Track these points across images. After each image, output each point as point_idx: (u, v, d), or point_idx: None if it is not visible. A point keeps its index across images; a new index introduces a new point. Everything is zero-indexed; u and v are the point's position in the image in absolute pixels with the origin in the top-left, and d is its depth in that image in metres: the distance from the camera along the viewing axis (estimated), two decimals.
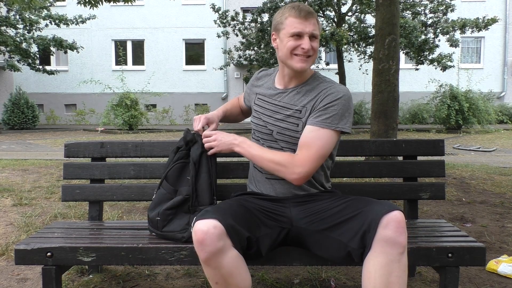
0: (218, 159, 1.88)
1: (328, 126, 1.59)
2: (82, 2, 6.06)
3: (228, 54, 13.98)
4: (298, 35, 1.63)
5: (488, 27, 11.88)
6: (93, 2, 6.08)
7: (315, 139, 1.58)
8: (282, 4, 11.82)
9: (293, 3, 1.69)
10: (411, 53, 12.14)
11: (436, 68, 12.72)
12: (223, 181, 2.02)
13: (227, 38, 13.37)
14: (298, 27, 1.62)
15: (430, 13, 12.22)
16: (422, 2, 12.31)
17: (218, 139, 1.72)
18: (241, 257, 1.45)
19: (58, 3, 14.99)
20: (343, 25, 12.45)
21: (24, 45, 14.25)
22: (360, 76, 15.89)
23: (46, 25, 14.28)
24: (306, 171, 1.57)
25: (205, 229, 1.37)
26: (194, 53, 18.48)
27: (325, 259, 1.59)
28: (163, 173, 1.81)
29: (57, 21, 14.09)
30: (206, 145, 1.74)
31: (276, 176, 1.69)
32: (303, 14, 1.63)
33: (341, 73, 13.09)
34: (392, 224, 1.37)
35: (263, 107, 1.75)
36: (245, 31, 12.83)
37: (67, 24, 14.21)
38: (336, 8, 12.38)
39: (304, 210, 1.63)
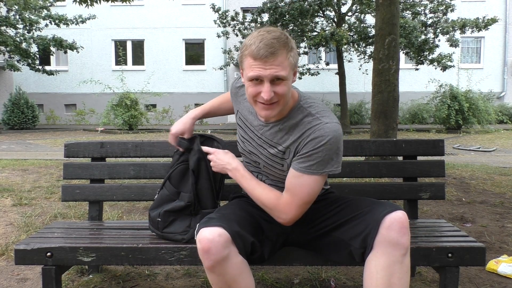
0: None
1: (312, 173, 1.44)
2: (77, 0, 6.05)
3: (228, 54, 13.97)
4: (257, 79, 1.38)
5: (488, 27, 11.88)
6: (89, 2, 6.06)
7: (299, 186, 1.46)
8: (282, 4, 11.81)
9: (260, 31, 1.40)
10: (411, 53, 12.14)
11: (436, 68, 12.72)
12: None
13: (227, 38, 13.37)
14: (255, 70, 1.36)
15: (430, 13, 12.22)
16: (422, 2, 12.31)
17: (213, 160, 1.66)
18: (246, 263, 1.44)
19: (58, 3, 14.97)
20: (343, 25, 12.45)
21: (24, 45, 14.24)
22: (360, 76, 15.89)
23: (46, 25, 14.27)
24: (290, 217, 1.51)
25: (211, 237, 1.35)
26: (194, 53, 18.47)
27: (325, 259, 1.58)
28: (165, 173, 1.81)
29: (57, 21, 14.08)
30: (214, 164, 1.68)
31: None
32: (262, 54, 1.33)
33: (341, 73, 13.09)
34: (395, 225, 1.35)
35: (247, 134, 1.63)
36: (245, 31, 12.83)
37: (67, 24, 14.20)
38: (336, 8, 12.38)
39: (304, 214, 1.62)
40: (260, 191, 1.55)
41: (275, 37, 1.37)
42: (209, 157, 1.68)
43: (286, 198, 1.50)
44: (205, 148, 1.71)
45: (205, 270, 1.42)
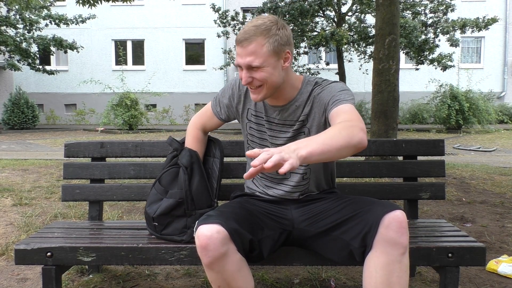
0: None
1: (344, 101, 1.51)
2: (80, 1, 6.05)
3: (228, 54, 13.96)
4: (240, 66, 1.48)
5: (488, 27, 11.87)
6: (91, 2, 6.07)
7: (346, 113, 1.46)
8: (282, 4, 11.82)
9: (255, 17, 1.52)
10: (411, 53, 12.13)
11: (436, 68, 12.71)
12: (223, 181, 2.01)
13: (227, 38, 13.36)
14: (237, 57, 1.48)
15: (430, 13, 12.22)
16: (422, 2, 12.31)
17: (284, 151, 1.17)
18: (244, 261, 1.45)
19: (58, 3, 14.97)
20: (343, 25, 12.44)
21: (24, 45, 14.24)
22: (360, 76, 15.88)
23: (46, 25, 14.27)
24: (364, 125, 1.42)
25: (209, 234, 1.36)
26: (194, 53, 18.47)
27: (325, 259, 1.58)
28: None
29: (57, 21, 14.08)
30: (277, 160, 1.12)
31: (275, 181, 1.68)
32: (240, 38, 1.45)
33: (341, 73, 13.08)
34: (394, 224, 1.36)
35: (263, 126, 1.68)
36: None
37: (67, 24, 14.20)
38: (336, 8, 12.37)
39: (305, 211, 1.62)
40: (333, 128, 1.36)
41: (256, 24, 1.46)
42: (276, 152, 1.16)
43: (346, 117, 1.43)
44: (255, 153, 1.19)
45: (204, 267, 1.42)
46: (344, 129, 1.34)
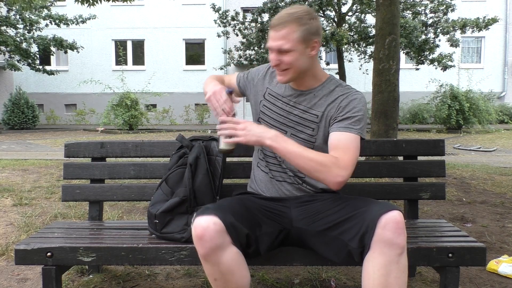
0: None
1: (351, 130, 1.56)
2: (79, 0, 6.05)
3: (228, 54, 13.97)
4: (271, 49, 1.57)
5: (489, 27, 11.88)
6: (91, 1, 6.07)
7: (348, 142, 1.54)
8: (282, 4, 11.82)
9: (290, 6, 1.62)
10: (412, 53, 12.14)
11: (436, 68, 12.72)
12: (223, 181, 2.01)
13: (227, 38, 13.37)
14: (269, 40, 1.56)
15: (431, 13, 12.23)
16: (423, 2, 12.31)
17: (247, 129, 1.50)
18: (241, 254, 1.45)
19: (58, 3, 14.98)
20: (344, 25, 12.45)
21: (24, 45, 14.26)
22: (360, 76, 15.89)
23: (46, 25, 14.30)
24: (348, 174, 1.50)
25: (205, 225, 1.37)
26: (194, 53, 18.49)
27: (325, 259, 1.58)
28: (164, 174, 1.81)
29: (57, 21, 14.10)
30: (229, 132, 1.52)
31: (280, 178, 1.68)
32: (274, 23, 1.54)
33: (341, 73, 13.09)
34: (390, 225, 1.36)
35: (276, 106, 1.69)
36: (245, 31, 12.83)
37: (67, 24, 14.23)
38: (336, 8, 12.38)
39: (304, 210, 1.62)
40: (312, 153, 1.51)
41: (290, 12, 1.54)
42: (241, 126, 1.52)
43: (341, 155, 1.51)
44: (234, 119, 1.55)
45: (200, 260, 1.43)
46: (319, 164, 1.48)
